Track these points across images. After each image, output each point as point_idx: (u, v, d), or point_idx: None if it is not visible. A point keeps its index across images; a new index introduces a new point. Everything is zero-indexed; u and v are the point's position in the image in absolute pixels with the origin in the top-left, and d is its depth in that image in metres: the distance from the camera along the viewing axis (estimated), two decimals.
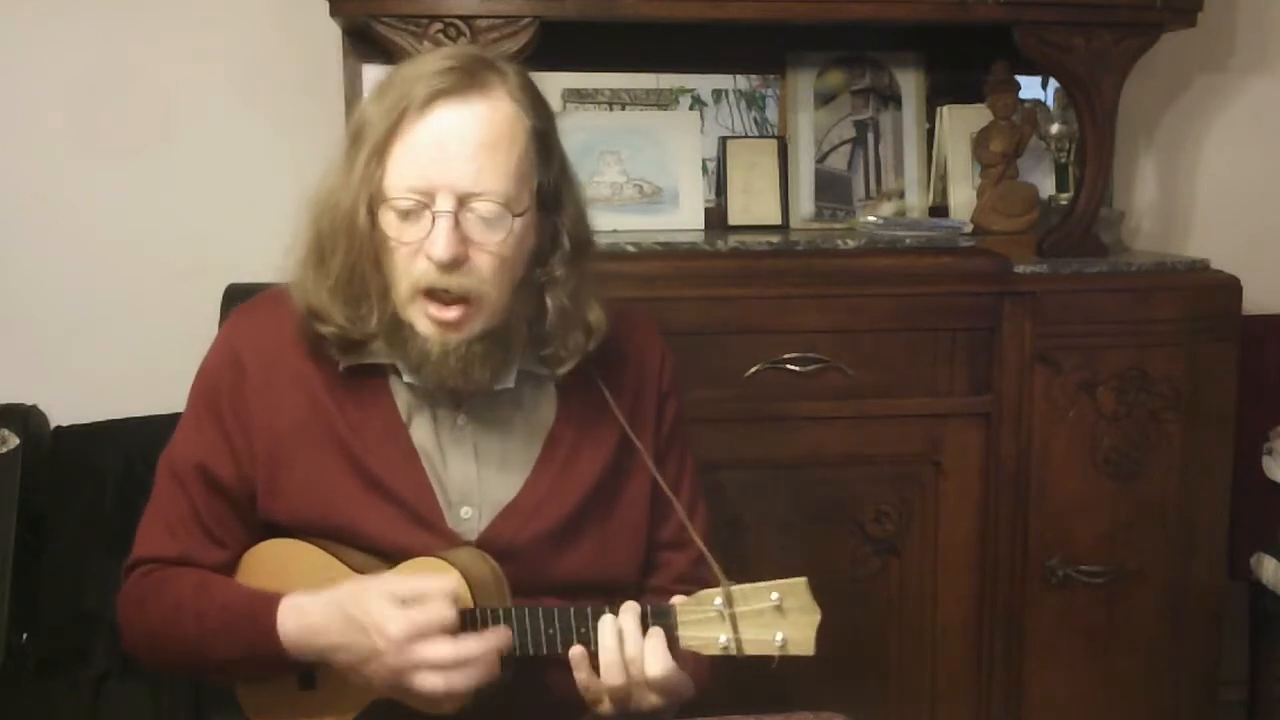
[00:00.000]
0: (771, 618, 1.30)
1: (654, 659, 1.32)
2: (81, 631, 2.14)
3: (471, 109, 1.33)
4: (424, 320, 1.36)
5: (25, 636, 2.14)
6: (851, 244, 2.26)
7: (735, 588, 1.31)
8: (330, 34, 2.27)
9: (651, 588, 1.53)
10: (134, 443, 2.18)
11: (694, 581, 1.45)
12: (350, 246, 1.37)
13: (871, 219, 2.46)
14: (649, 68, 2.52)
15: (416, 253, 1.33)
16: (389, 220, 1.34)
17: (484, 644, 1.31)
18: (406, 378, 1.42)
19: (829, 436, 2.13)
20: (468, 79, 1.34)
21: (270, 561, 1.45)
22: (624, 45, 2.38)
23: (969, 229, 2.45)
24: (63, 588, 2.17)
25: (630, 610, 1.34)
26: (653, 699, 1.35)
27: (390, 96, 1.35)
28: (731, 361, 2.10)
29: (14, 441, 2.18)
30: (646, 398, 1.53)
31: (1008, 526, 2.19)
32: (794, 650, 1.31)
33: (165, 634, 1.42)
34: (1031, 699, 2.24)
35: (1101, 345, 2.18)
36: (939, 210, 2.59)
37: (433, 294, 1.35)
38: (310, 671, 1.41)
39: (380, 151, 1.34)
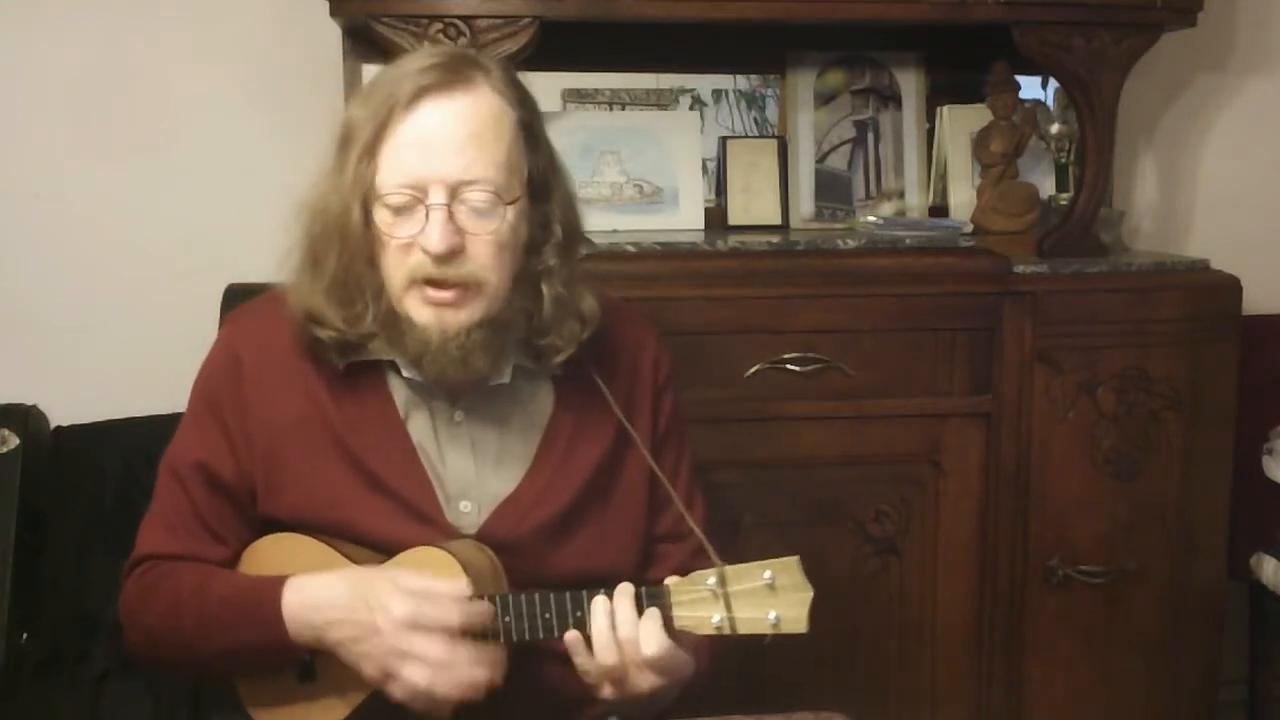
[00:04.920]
0: (764, 596, 1.31)
1: (649, 638, 1.32)
2: (81, 631, 2.14)
3: (456, 103, 1.36)
4: (421, 309, 1.38)
5: (25, 636, 2.14)
6: (851, 244, 2.26)
7: (729, 568, 1.32)
8: (330, 34, 2.27)
9: (650, 580, 1.53)
10: (134, 443, 2.18)
11: (692, 573, 1.46)
12: (344, 247, 1.39)
13: (871, 219, 2.46)
14: (649, 68, 2.52)
15: (411, 247, 1.36)
16: (383, 217, 1.37)
17: (477, 655, 1.32)
18: (406, 373, 1.44)
19: (829, 436, 2.13)
20: (452, 75, 1.37)
21: (270, 555, 1.45)
22: (624, 45, 2.38)
23: (969, 229, 2.45)
24: (63, 588, 2.17)
25: (624, 591, 1.35)
26: (651, 679, 1.35)
27: (376, 97, 1.38)
28: (731, 361, 2.10)
29: (14, 441, 2.18)
30: (641, 391, 1.55)
31: (1008, 526, 2.19)
32: (787, 628, 1.31)
33: (165, 628, 1.43)
34: (1031, 699, 2.24)
35: (1101, 345, 2.18)
36: (939, 210, 2.59)
37: (429, 282, 1.37)
38: (310, 664, 1.41)
39: (370, 151, 1.36)
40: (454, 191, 1.35)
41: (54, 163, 2.35)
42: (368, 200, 1.37)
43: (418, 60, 1.39)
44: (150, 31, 2.35)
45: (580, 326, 1.46)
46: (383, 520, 1.41)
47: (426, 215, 1.34)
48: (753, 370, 2.11)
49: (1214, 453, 2.25)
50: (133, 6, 2.34)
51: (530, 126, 1.41)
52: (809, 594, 1.31)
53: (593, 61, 2.48)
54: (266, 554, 1.46)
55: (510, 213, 1.38)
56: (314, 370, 1.45)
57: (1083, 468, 2.20)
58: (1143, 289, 2.21)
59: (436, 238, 1.34)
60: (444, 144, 1.35)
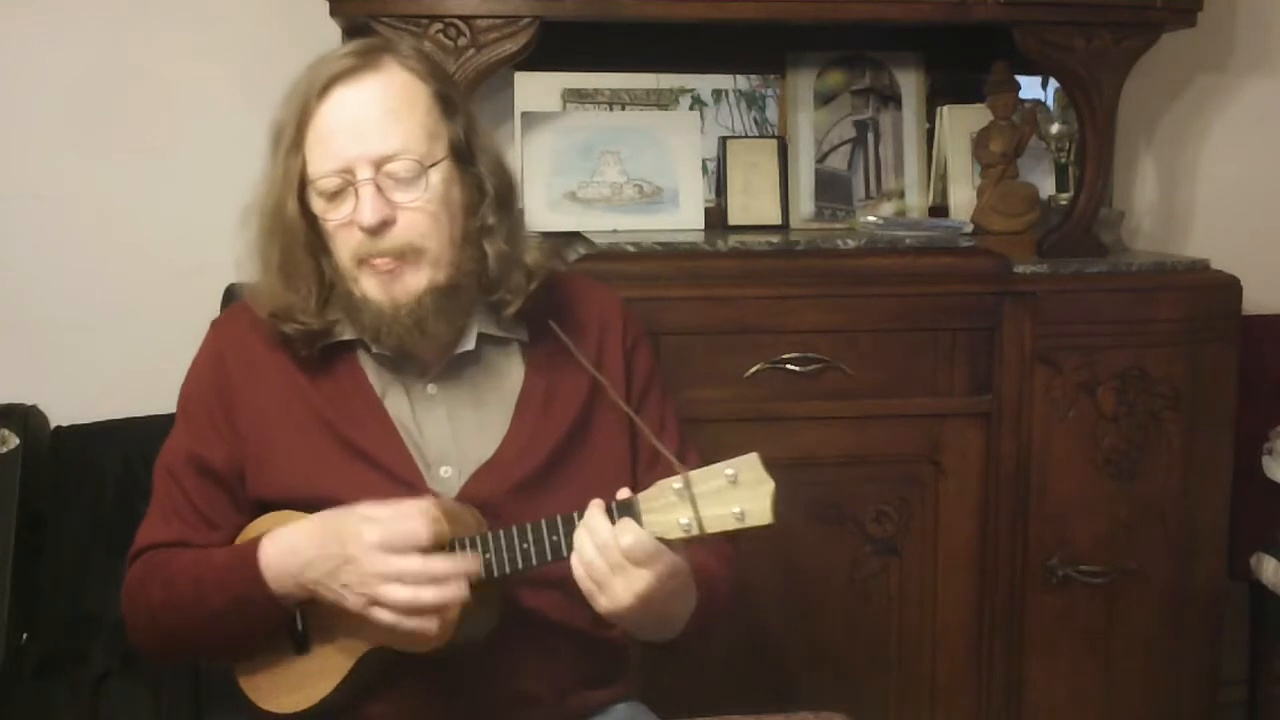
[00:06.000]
0: (728, 493, 1.32)
1: (625, 531, 1.33)
2: (81, 631, 2.15)
3: (367, 85, 1.43)
4: (370, 284, 1.44)
5: (25, 636, 2.14)
6: (851, 244, 2.27)
7: (693, 472, 1.33)
8: (330, 34, 2.27)
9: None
10: (134, 443, 2.19)
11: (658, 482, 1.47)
12: (285, 238, 1.46)
13: (871, 219, 2.46)
14: (649, 68, 2.51)
15: (350, 227, 1.42)
16: (318, 204, 1.44)
17: (452, 564, 1.35)
18: (375, 348, 1.49)
19: (829, 436, 2.14)
20: (359, 60, 1.44)
21: (262, 534, 1.48)
22: (624, 45, 2.38)
23: (969, 229, 2.45)
24: (63, 588, 2.17)
25: (594, 505, 1.36)
26: (642, 576, 1.33)
27: (294, 95, 1.45)
28: (731, 361, 2.10)
29: (14, 441, 2.18)
30: (611, 351, 1.59)
31: (1008, 526, 2.19)
32: (752, 521, 1.31)
33: (165, 607, 1.47)
34: (1031, 699, 2.24)
35: (1101, 345, 2.18)
36: (939, 210, 2.59)
37: (371, 257, 1.43)
38: (303, 635, 1.45)
39: (296, 145, 1.43)
40: (378, 166, 1.41)
41: (54, 163, 2.35)
42: (303, 191, 1.44)
43: (328, 55, 1.47)
44: (150, 31, 2.35)
45: (526, 279, 1.51)
46: (366, 490, 1.43)
47: (356, 194, 1.41)
48: (753, 370, 2.11)
49: (1214, 453, 2.25)
50: (133, 6, 2.34)
51: (445, 96, 1.47)
52: (770, 485, 1.31)
53: (593, 61, 2.48)
54: (259, 533, 1.48)
55: (435, 175, 1.43)
56: (292, 359, 1.51)
57: (1083, 468, 2.20)
58: (1142, 289, 2.21)
59: (367, 212, 1.40)
60: (361, 124, 1.41)
